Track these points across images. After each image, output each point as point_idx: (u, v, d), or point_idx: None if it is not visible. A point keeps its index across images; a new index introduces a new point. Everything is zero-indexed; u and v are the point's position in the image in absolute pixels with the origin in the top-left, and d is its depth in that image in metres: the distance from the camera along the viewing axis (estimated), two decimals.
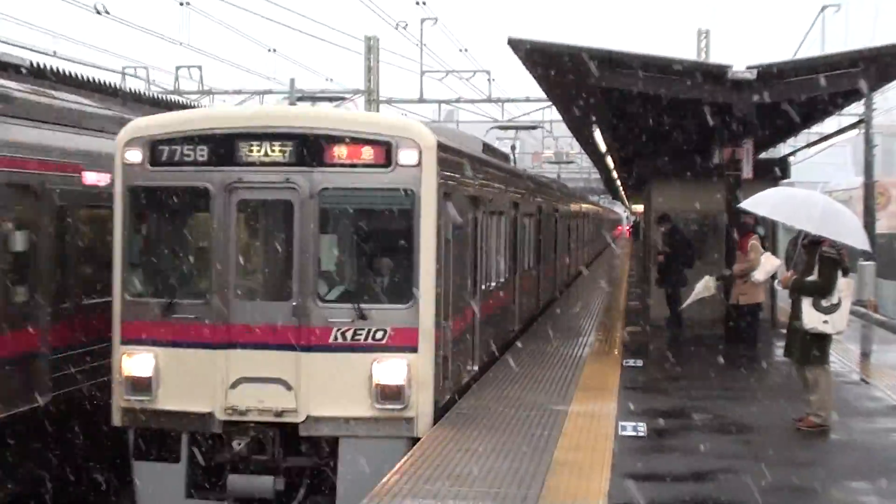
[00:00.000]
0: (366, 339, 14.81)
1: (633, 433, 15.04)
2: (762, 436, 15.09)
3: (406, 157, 14.78)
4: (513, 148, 37.99)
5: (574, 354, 22.86)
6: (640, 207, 53.36)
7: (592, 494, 11.78)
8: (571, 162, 71.14)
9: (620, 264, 65.51)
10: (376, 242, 15.92)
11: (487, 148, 22.82)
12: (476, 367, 19.40)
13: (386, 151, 14.81)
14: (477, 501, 11.44)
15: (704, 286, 21.48)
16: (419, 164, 14.80)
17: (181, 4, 41.90)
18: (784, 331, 16.85)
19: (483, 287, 20.15)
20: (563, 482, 12.26)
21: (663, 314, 26.90)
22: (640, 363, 21.55)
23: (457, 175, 16.91)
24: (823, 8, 42.45)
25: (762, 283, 21.81)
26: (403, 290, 15.18)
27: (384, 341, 14.87)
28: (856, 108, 33.92)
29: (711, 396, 17.87)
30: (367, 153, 14.83)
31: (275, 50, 51.08)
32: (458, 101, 53.04)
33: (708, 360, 21.73)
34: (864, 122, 33.87)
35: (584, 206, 59.00)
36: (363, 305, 14.83)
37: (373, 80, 45.82)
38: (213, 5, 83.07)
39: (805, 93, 20.33)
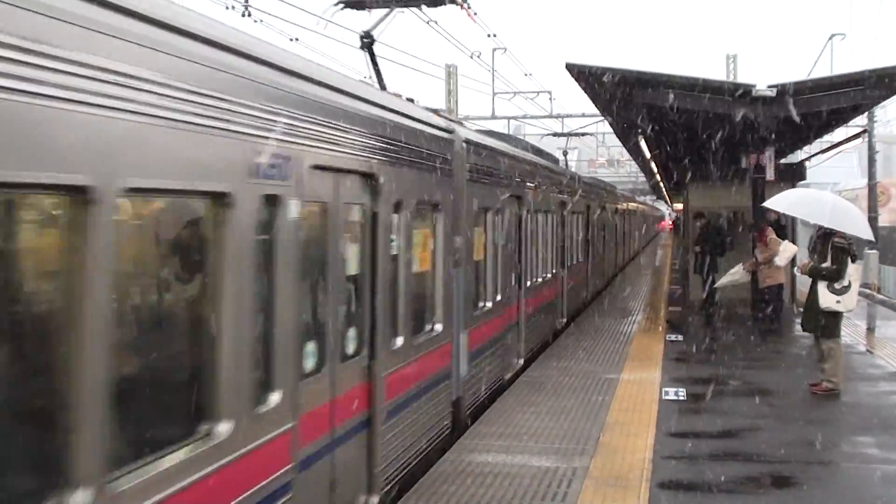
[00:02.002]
0: None
1: (675, 397, 15.08)
2: (783, 399, 15.07)
3: None
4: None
5: (624, 330, 22.91)
6: (680, 206, 53.05)
7: (640, 449, 11.85)
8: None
9: (664, 254, 65.14)
10: None
11: None
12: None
13: None
14: (541, 455, 11.56)
15: (737, 271, 21.46)
16: None
17: (290, 40, 42.06)
18: (802, 310, 16.79)
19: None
20: (614, 439, 12.35)
21: (700, 296, 26.85)
22: (680, 338, 21.54)
23: None
24: (832, 36, 42.22)
25: (783, 267, 21.75)
26: None
27: None
28: (860, 120, 33.62)
29: (740, 365, 17.79)
30: None
31: (370, 77, 51.14)
32: (524, 117, 53.01)
33: (737, 335, 21.66)
34: (867, 132, 33.62)
35: (633, 205, 58.77)
36: None
37: (452, 101, 45.76)
38: (317, 41, 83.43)
39: (817, 107, 20.16)
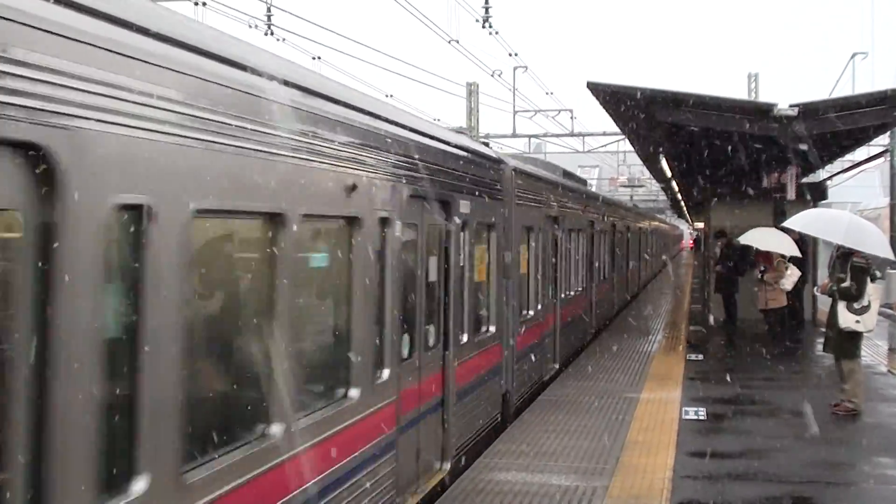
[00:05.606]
0: None
1: (695, 417, 15.10)
2: (803, 419, 15.06)
3: None
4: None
5: (645, 350, 22.92)
6: (701, 224, 53.08)
7: (659, 469, 11.89)
8: (642, 186, 70.11)
9: (685, 273, 64.97)
10: None
11: None
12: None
13: None
14: (561, 474, 11.62)
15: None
16: None
17: (313, 59, 42.16)
18: (823, 329, 16.81)
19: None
20: (634, 458, 12.39)
21: (721, 316, 26.84)
22: (700, 357, 21.54)
23: None
24: (854, 55, 42.13)
25: (789, 290, 22.00)
26: None
27: None
28: (883, 139, 33.50)
29: (761, 385, 17.81)
30: None
31: (392, 95, 51.35)
32: (545, 135, 53.03)
33: (758, 354, 21.63)
34: (889, 151, 33.50)
35: (654, 223, 58.82)
36: None
37: (473, 119, 45.79)
38: (339, 59, 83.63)
39: (839, 126, 20.16)
